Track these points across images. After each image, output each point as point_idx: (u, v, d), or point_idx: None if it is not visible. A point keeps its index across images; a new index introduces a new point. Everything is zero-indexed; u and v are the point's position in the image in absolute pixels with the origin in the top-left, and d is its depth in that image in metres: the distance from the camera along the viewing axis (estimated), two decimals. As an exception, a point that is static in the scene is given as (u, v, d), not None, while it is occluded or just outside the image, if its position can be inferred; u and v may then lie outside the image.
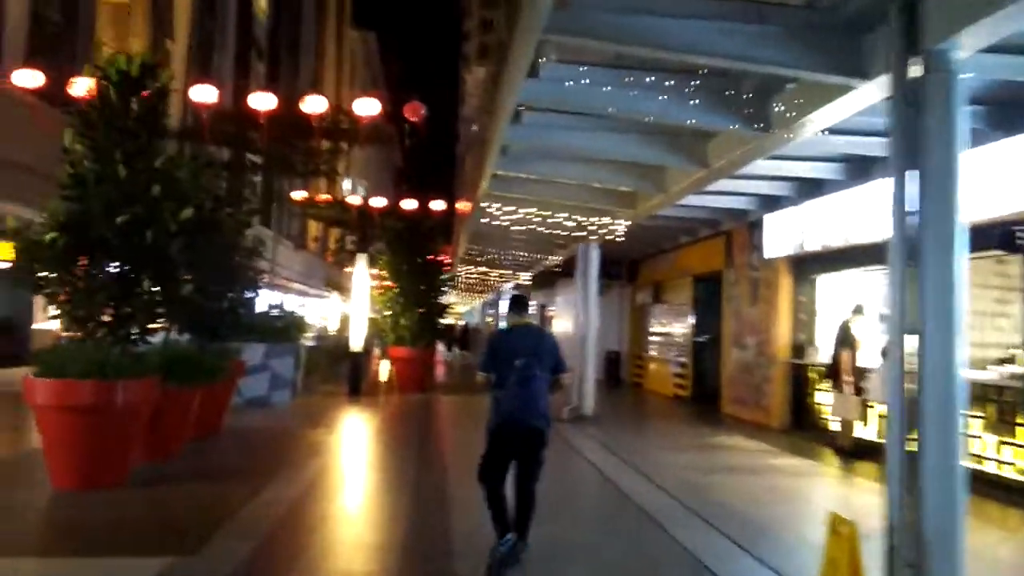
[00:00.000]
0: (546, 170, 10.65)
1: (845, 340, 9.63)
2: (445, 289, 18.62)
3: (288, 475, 7.53)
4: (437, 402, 15.22)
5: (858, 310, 9.81)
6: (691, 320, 16.94)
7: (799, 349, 12.12)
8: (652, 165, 10.10)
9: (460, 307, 39.74)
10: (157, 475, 7.20)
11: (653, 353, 19.83)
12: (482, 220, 11.98)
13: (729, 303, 14.33)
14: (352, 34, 44.47)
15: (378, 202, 19.52)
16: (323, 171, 16.45)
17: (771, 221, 12.27)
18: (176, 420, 8.17)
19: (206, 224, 8.56)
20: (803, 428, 11.70)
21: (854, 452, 9.47)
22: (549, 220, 11.26)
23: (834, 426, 10.31)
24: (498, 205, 11.09)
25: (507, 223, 11.41)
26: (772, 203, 12.32)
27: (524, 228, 12.29)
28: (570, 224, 11.23)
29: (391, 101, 20.96)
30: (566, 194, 11.19)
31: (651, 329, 20.12)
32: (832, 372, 9.84)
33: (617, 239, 11.71)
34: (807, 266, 11.99)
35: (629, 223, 11.24)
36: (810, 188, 11.28)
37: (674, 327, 18.33)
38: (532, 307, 27.99)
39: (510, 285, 28.40)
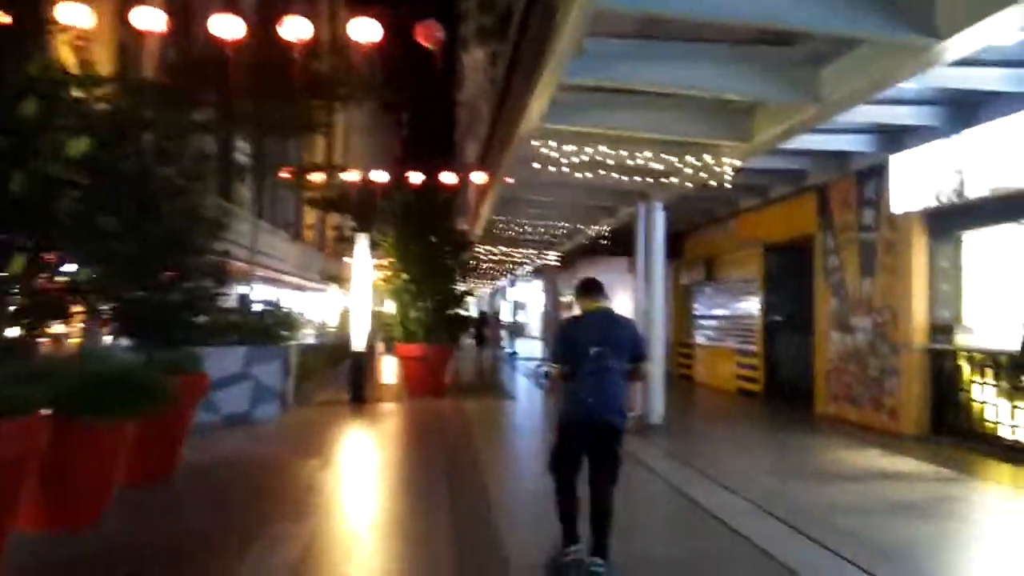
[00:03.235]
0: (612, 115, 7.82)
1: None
2: (466, 272, 15.75)
3: (256, 559, 4.68)
4: (460, 411, 12.37)
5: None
6: (761, 299, 14.06)
7: (942, 330, 9.24)
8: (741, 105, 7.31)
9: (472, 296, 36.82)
10: (44, 563, 4.40)
11: (704, 341, 16.98)
12: (533, 164, 9.01)
13: (827, 276, 11.43)
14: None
15: (379, 177, 16.69)
16: (311, 126, 13.48)
17: (899, 164, 9.37)
18: (91, 471, 5.35)
19: (128, 175, 5.75)
20: (949, 434, 8.85)
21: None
22: (627, 161, 8.29)
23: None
24: (554, 144, 8.16)
25: (564, 165, 8.40)
26: (897, 140, 9.43)
27: (582, 178, 9.31)
28: (654, 167, 8.26)
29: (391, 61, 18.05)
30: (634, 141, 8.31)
31: (703, 312, 17.26)
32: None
33: (725, 183, 8.64)
34: (953, 221, 9.10)
35: (739, 163, 8.28)
36: (960, 111, 8.42)
37: (736, 308, 15.45)
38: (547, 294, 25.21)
39: (528, 270, 25.47)
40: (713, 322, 16.57)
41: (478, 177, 15.59)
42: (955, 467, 7.60)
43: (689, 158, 7.93)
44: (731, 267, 15.68)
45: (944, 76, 7.15)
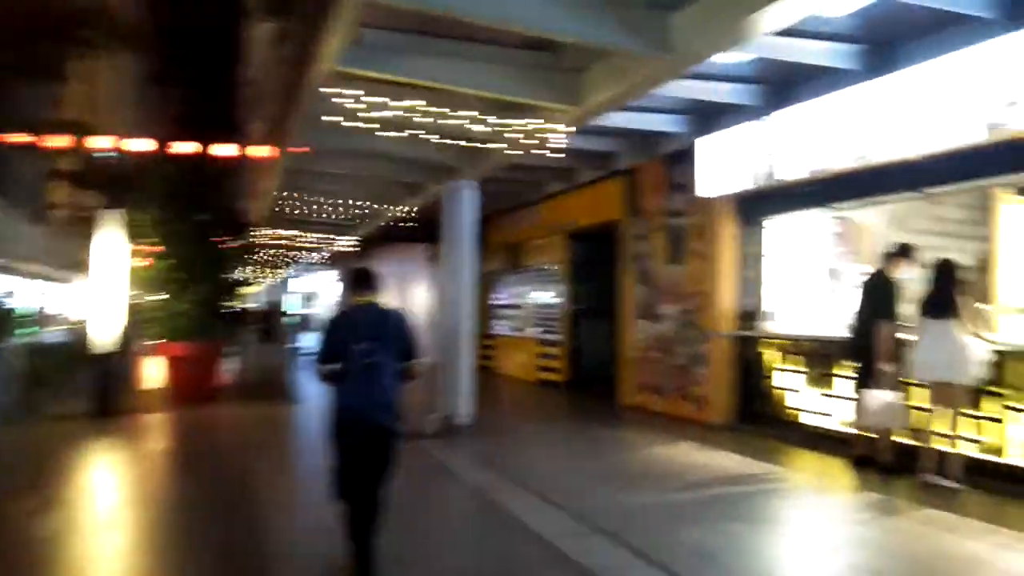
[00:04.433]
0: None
1: (882, 303, 6.60)
2: (244, 258, 13.81)
3: None
4: (235, 421, 10.64)
5: (903, 252, 6.81)
6: (565, 288, 13.63)
7: (748, 317, 9.12)
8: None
9: (253, 287, 33.78)
10: None
11: (506, 331, 16.37)
12: (324, 119, 7.50)
13: (634, 263, 11.10)
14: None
15: (141, 146, 14.16)
16: (48, 72, 10.93)
17: (707, 146, 9.10)
18: None
19: None
20: (755, 423, 8.74)
21: (892, 468, 6.53)
22: (442, 122, 7.01)
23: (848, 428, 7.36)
24: (359, 93, 6.74)
25: (364, 122, 6.95)
26: (712, 121, 9.19)
27: (387, 143, 8.00)
28: (475, 130, 7.09)
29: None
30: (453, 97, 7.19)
31: (506, 301, 16.64)
32: (860, 354, 6.79)
33: (553, 154, 7.74)
34: (761, 206, 8.97)
35: (573, 129, 7.35)
36: (778, 90, 8.25)
37: (539, 297, 14.96)
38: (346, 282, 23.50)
39: (321, 257, 23.58)
40: (517, 311, 16.00)
41: (261, 151, 13.68)
42: (766, 458, 7.35)
43: (514, 122, 6.95)
44: (536, 254, 15.17)
45: (770, 47, 6.81)
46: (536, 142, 7.22)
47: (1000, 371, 6.07)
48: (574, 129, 7.50)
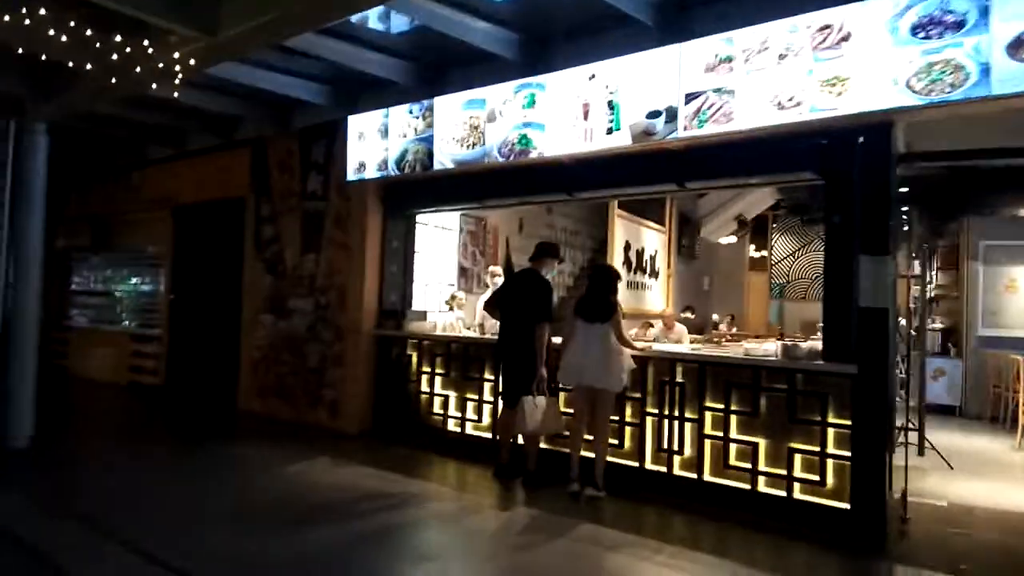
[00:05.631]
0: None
1: (538, 303, 6.31)
2: None
3: None
4: None
5: (551, 251, 6.59)
6: (168, 273, 11.51)
7: (390, 315, 8.38)
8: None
9: None
10: None
11: (87, 323, 13.44)
12: None
13: (259, 248, 9.64)
14: None
15: None
16: None
17: (357, 125, 8.16)
18: None
19: None
20: (395, 431, 8.07)
21: (536, 477, 6.31)
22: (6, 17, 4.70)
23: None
24: None
25: None
26: (351, 96, 8.29)
27: None
28: (64, 41, 4.88)
29: None
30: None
31: (87, 287, 13.63)
32: (512, 357, 6.41)
33: (175, 94, 5.80)
34: (410, 197, 8.27)
35: (203, 67, 5.54)
36: (433, 73, 7.66)
37: (132, 284, 12.48)
38: None
39: None
40: (101, 299, 13.18)
41: None
42: (408, 472, 6.69)
43: (122, 39, 5.05)
44: (130, 232, 12.61)
45: (428, 14, 6.13)
46: (148, 75, 5.47)
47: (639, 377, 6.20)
48: (200, 66, 5.88)
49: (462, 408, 7.58)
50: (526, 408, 6.03)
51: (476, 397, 7.46)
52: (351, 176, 8.21)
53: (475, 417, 7.48)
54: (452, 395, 7.68)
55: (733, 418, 5.72)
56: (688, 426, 5.97)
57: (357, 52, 7.18)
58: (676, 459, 6.02)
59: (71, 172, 12.14)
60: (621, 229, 10.66)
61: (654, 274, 11.98)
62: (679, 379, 6.04)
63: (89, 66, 5.07)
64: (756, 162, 5.78)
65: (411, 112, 7.57)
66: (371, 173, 8.01)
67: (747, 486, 5.59)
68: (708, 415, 5.86)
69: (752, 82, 5.30)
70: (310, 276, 8.89)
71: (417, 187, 8.00)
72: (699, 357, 6.16)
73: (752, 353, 6.39)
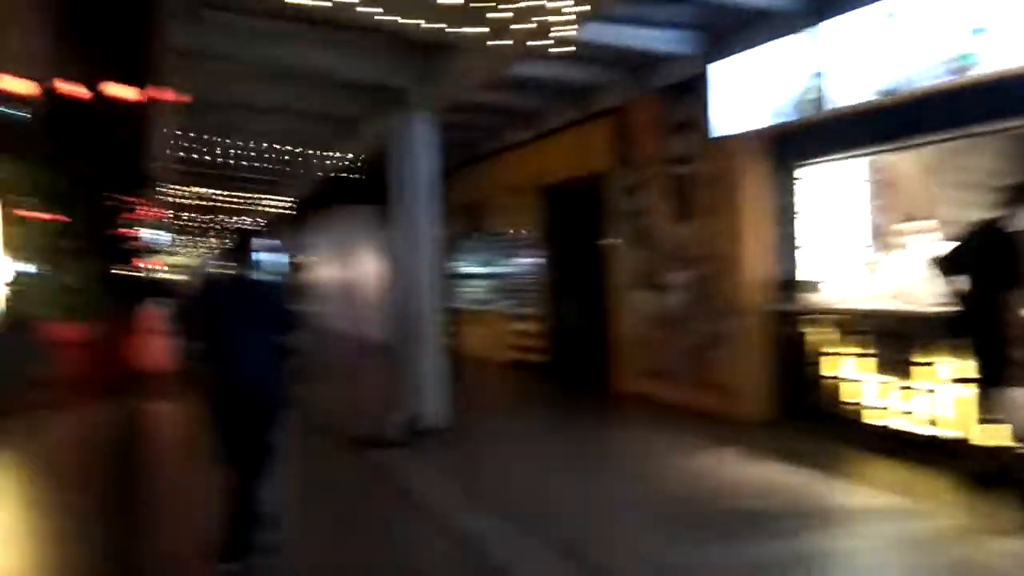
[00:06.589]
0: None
1: (1004, 266, 4.82)
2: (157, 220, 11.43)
3: None
4: (152, 423, 8.51)
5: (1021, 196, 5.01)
6: (536, 254, 11.70)
7: (786, 287, 7.30)
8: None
9: (179, 258, 30.87)
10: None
11: (468, 304, 14.37)
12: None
13: (625, 221, 9.20)
14: None
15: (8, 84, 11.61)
16: None
17: (725, 72, 7.17)
18: None
19: None
20: (803, 418, 6.96)
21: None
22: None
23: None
24: None
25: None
26: (723, 40, 7.29)
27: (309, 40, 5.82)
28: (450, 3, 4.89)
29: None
30: None
31: (464, 271, 14.63)
32: (974, 335, 4.99)
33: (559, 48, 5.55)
34: (799, 146, 7.10)
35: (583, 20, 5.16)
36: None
37: (508, 265, 12.99)
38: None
39: (254, 222, 21.06)
40: (481, 282, 14.00)
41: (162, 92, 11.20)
42: (836, 472, 5.61)
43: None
44: (500, 216, 13.14)
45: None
46: (523, 36, 5.06)
47: None
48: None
49: (892, 396, 6.22)
50: (1013, 402, 4.58)
51: (911, 384, 6.05)
52: (723, 132, 7.26)
53: (908, 408, 6.08)
54: (874, 379, 6.36)
55: None
56: None
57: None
58: None
59: (444, 161, 12.95)
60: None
61: None
62: None
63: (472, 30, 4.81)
64: None
65: (797, 44, 6.36)
66: (748, 125, 6.98)
67: None
68: None
69: None
70: (684, 247, 8.15)
71: (809, 133, 6.77)
72: None
73: None
